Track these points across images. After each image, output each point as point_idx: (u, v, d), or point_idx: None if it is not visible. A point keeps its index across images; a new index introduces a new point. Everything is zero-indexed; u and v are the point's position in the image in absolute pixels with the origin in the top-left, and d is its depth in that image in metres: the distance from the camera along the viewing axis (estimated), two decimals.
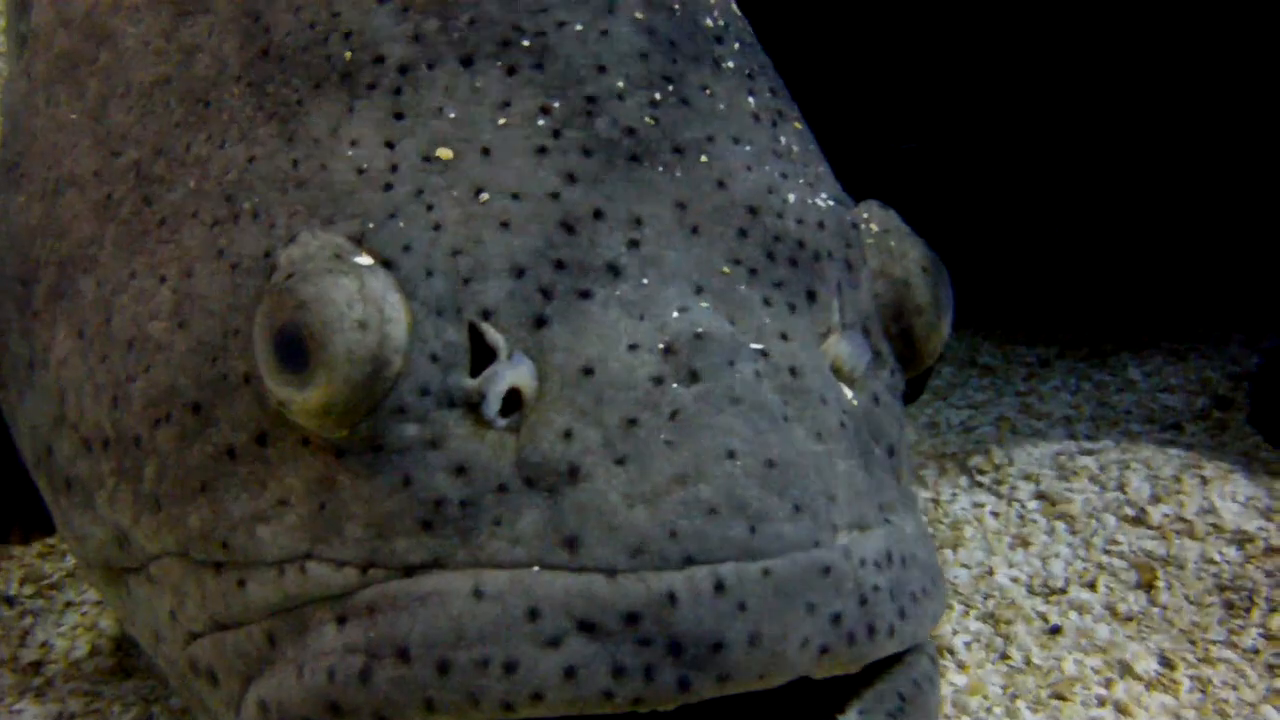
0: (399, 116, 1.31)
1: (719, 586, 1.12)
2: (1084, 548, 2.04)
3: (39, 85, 1.67)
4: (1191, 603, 1.94)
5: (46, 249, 1.55)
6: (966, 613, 1.93)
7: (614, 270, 1.23)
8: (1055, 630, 1.88)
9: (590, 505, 1.15)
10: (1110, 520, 2.09)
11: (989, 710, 1.74)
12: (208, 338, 1.31)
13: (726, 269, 1.27)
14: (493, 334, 1.21)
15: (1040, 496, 2.15)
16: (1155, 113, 2.70)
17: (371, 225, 1.24)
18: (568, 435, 1.17)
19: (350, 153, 1.30)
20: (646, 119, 1.33)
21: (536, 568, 1.14)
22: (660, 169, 1.31)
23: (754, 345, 1.23)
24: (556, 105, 1.32)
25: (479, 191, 1.26)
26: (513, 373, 1.20)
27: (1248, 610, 1.92)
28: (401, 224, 1.24)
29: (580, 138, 1.30)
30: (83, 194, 1.53)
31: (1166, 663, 1.83)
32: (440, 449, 1.20)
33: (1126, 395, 2.51)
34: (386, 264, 1.22)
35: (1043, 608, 1.93)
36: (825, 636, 1.15)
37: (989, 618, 1.91)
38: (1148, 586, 1.96)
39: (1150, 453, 2.22)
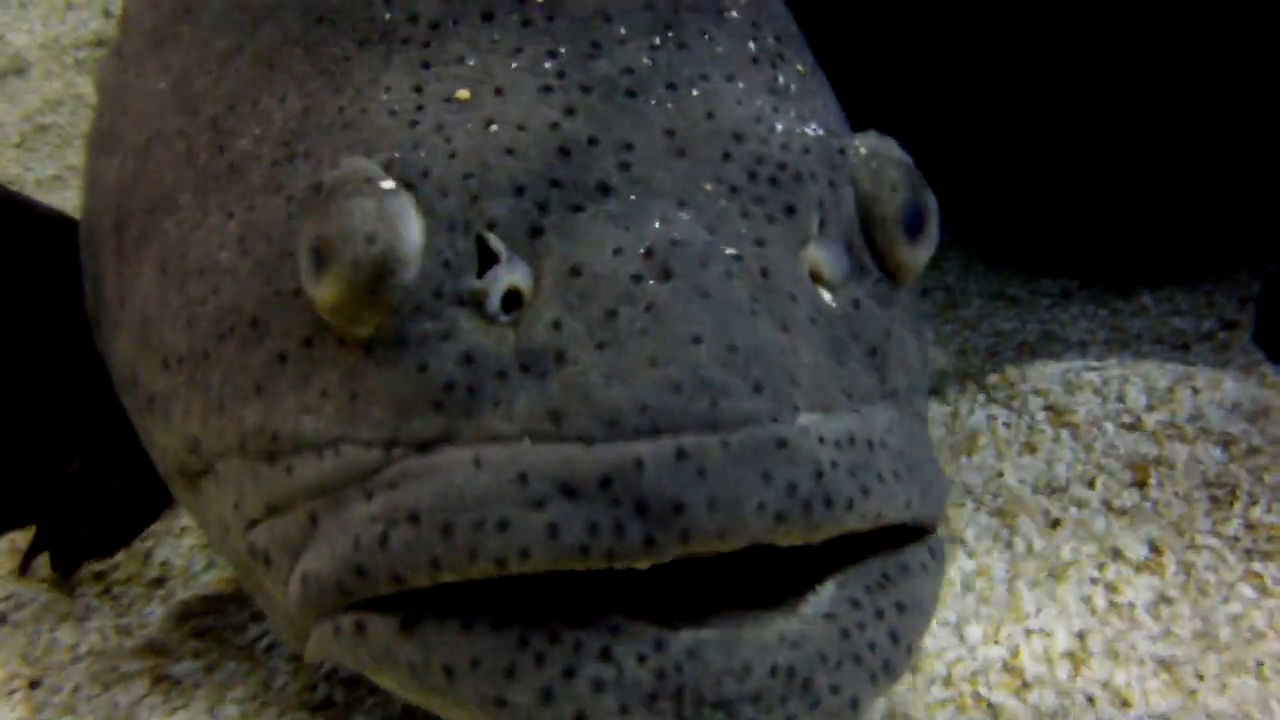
0: (426, 65, 1.54)
1: (680, 454, 1.27)
2: (1085, 452, 2.34)
3: (130, 61, 1.97)
4: (1180, 498, 2.24)
5: (136, 200, 1.79)
6: (977, 509, 2.23)
7: (604, 188, 1.42)
8: (1055, 523, 2.19)
9: (573, 384, 1.32)
10: (1109, 427, 2.39)
11: (991, 588, 2.06)
12: (266, 260, 1.53)
13: (709, 187, 1.44)
14: (495, 242, 1.40)
15: (1048, 408, 2.45)
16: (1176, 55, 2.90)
17: (398, 155, 1.45)
18: (556, 326, 1.35)
19: (385, 97, 1.52)
20: (644, 60, 1.53)
21: (527, 440, 1.32)
22: (653, 102, 1.49)
23: (728, 250, 1.39)
24: (563, 51, 1.53)
25: (489, 124, 1.46)
26: (511, 274, 1.39)
27: (1230, 504, 2.22)
28: (423, 153, 1.45)
29: (581, 77, 1.50)
30: (168, 149, 1.76)
31: (1155, 549, 2.13)
32: (450, 341, 1.39)
33: (1138, 320, 2.79)
34: (408, 186, 1.42)
35: (1046, 504, 2.24)
36: (780, 503, 1.28)
37: (997, 513, 2.22)
38: (1141, 484, 2.26)
39: (1149, 368, 2.51)
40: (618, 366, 1.31)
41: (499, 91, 1.50)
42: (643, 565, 1.29)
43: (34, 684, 2.02)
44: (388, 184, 1.42)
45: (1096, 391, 2.47)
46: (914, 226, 1.55)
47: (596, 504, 1.28)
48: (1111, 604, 2.03)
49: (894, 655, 1.41)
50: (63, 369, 2.12)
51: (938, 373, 2.61)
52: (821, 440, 1.33)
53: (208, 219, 1.64)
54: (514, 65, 1.52)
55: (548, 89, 1.49)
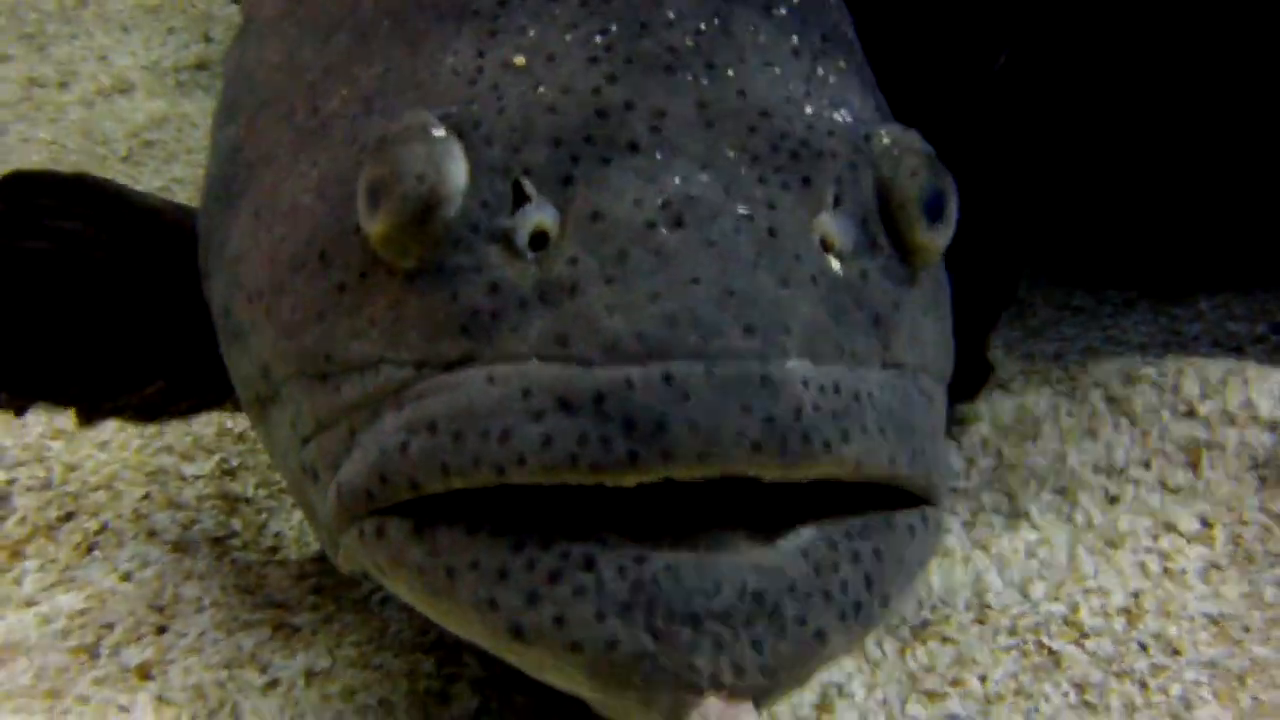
0: (492, 35, 1.70)
1: (668, 378, 1.39)
2: (1142, 437, 2.54)
3: (251, 42, 2.20)
4: (1230, 478, 2.44)
5: (244, 157, 1.98)
6: (1041, 488, 2.42)
7: (633, 146, 1.54)
8: (1114, 500, 2.38)
9: (580, 313, 1.44)
10: (1165, 415, 2.59)
11: (1053, 555, 2.25)
12: (337, 202, 1.67)
13: (731, 154, 1.55)
14: (529, 186, 1.53)
15: (1108, 399, 2.64)
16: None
17: (455, 109, 1.59)
18: (573, 262, 1.47)
19: (451, 61, 1.69)
20: (688, 41, 1.66)
21: (535, 360, 1.44)
22: (690, 78, 1.61)
23: (740, 209, 1.50)
24: (614, 28, 1.66)
25: (538, 86, 1.60)
26: (539, 215, 1.52)
27: (1278, 483, 2.41)
28: (475, 107, 1.60)
29: (627, 51, 1.63)
30: (274, 112, 1.95)
31: (1206, 523, 2.32)
32: (481, 272, 1.52)
33: (1195, 324, 2.98)
34: (460, 135, 1.55)
35: (1105, 483, 2.43)
36: (758, 434, 1.38)
37: (1059, 491, 2.41)
38: (1194, 465, 2.46)
39: (1204, 363, 2.71)
40: (621, 299, 1.43)
41: (551, 59, 1.64)
42: (629, 481, 1.40)
43: (161, 629, 2.20)
44: (440, 132, 1.55)
45: (1153, 384, 2.66)
46: (933, 210, 1.64)
47: (588, 418, 1.39)
48: (1165, 570, 2.22)
49: (866, 599, 1.47)
50: (167, 320, 2.40)
51: (1007, 372, 2.79)
52: (805, 383, 1.42)
53: (297, 168, 1.81)
54: (568, 38, 1.66)
55: (594, 59, 1.63)
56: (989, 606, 2.14)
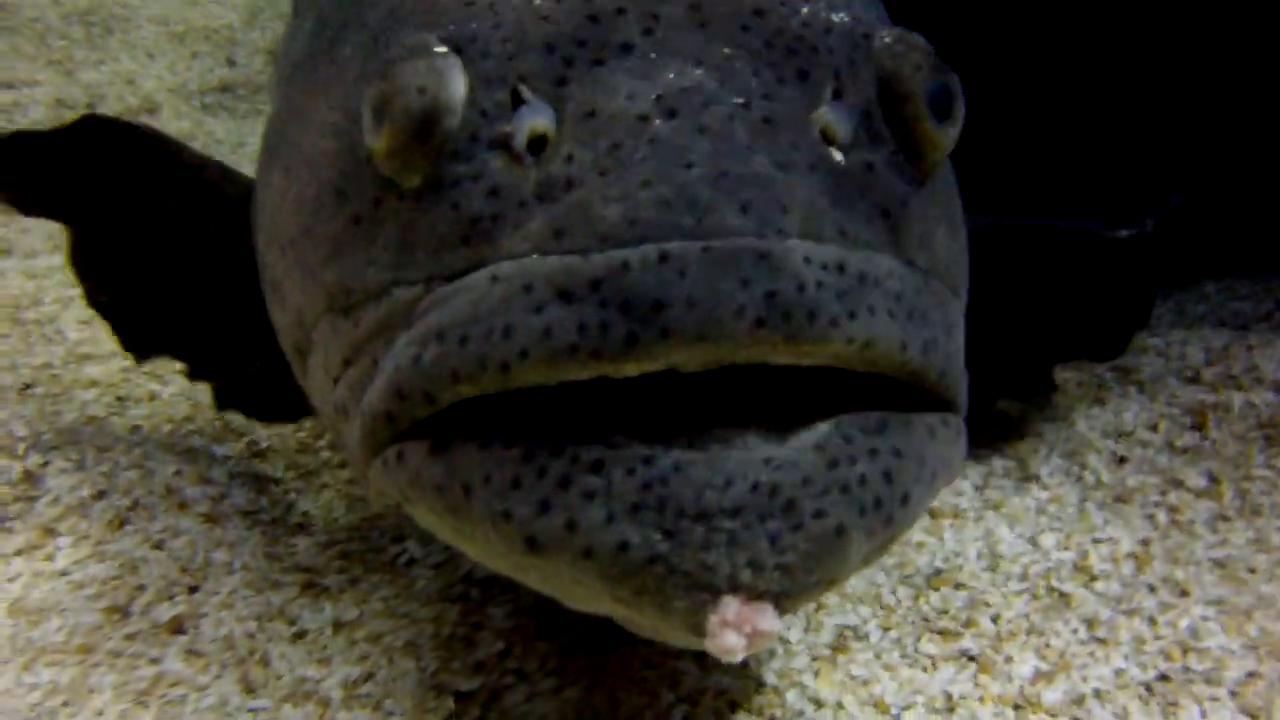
0: None
1: (663, 257, 1.36)
2: (1150, 402, 2.60)
3: (294, 22, 2.29)
4: (1236, 438, 2.49)
5: (279, 120, 2.01)
6: (1050, 453, 2.47)
7: (626, 47, 1.53)
8: (1122, 460, 2.43)
9: (577, 205, 1.42)
10: (1172, 381, 2.65)
11: (1063, 510, 2.30)
12: (349, 136, 1.67)
13: (726, 51, 1.53)
14: (526, 91, 1.52)
15: (1116, 369, 2.70)
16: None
17: (453, 27, 1.59)
18: (569, 158, 1.46)
19: None
20: None
21: (535, 255, 1.42)
22: None
23: (736, 99, 1.48)
24: None
25: (532, 0, 1.59)
26: (535, 117, 1.51)
27: None
28: (473, 24, 1.59)
29: None
30: (303, 72, 1.98)
31: (1214, 479, 2.37)
32: (481, 179, 1.51)
33: (1202, 305, 3.03)
34: (459, 51, 1.55)
35: (1113, 446, 2.48)
36: (760, 309, 1.35)
37: (1069, 454, 2.46)
38: (1200, 427, 2.51)
39: (1208, 333, 2.77)
40: (616, 188, 1.41)
41: None
42: (631, 369, 1.37)
43: (193, 589, 2.25)
44: (440, 49, 1.56)
45: (1160, 354, 2.73)
46: (939, 104, 1.61)
47: (587, 305, 1.37)
48: (1173, 521, 2.27)
49: (886, 494, 1.43)
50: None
51: None
52: (808, 260, 1.38)
53: (318, 116, 1.82)
54: None
55: None
56: (1001, 556, 2.19)
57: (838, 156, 1.53)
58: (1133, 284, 2.48)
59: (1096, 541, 2.21)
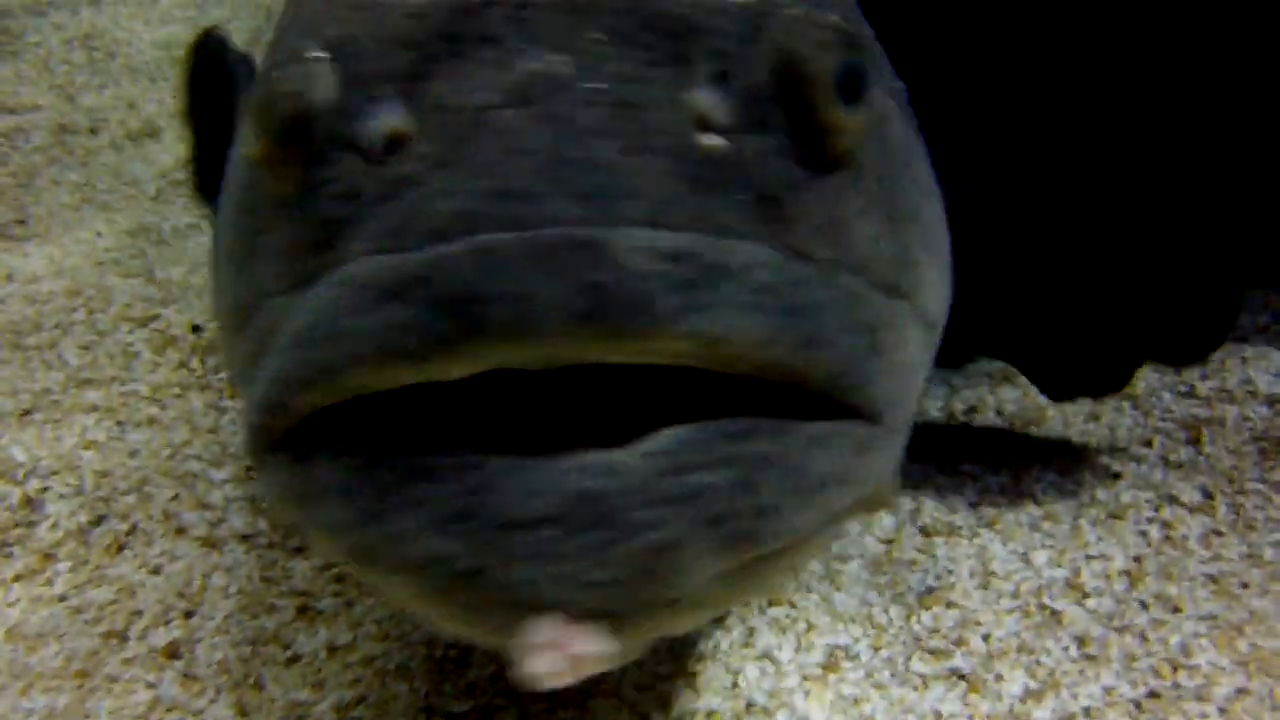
0: None
1: (485, 250, 1.26)
2: (1144, 417, 2.60)
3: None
4: (1231, 451, 2.49)
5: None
6: (1045, 469, 2.48)
7: (489, 39, 1.43)
8: (1116, 476, 2.44)
9: (414, 202, 1.34)
10: (1166, 396, 2.65)
11: (1056, 527, 2.31)
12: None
13: (597, 34, 1.43)
14: (385, 90, 1.44)
15: None
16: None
17: (334, 31, 1.52)
18: (417, 155, 1.38)
19: None
20: None
21: (375, 255, 1.34)
22: None
23: (594, 84, 1.38)
24: None
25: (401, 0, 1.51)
26: (389, 115, 1.43)
27: (1277, 454, 2.48)
28: (351, 27, 1.52)
29: None
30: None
31: (1207, 494, 2.37)
32: (339, 182, 1.44)
33: None
34: (335, 55, 1.48)
35: (1107, 461, 2.48)
36: (582, 303, 1.24)
37: (1064, 470, 2.47)
38: (1195, 441, 2.51)
39: None
40: (451, 182, 1.33)
41: None
42: (455, 370, 1.29)
43: (189, 614, 2.27)
44: (314, 53, 1.50)
45: (1154, 368, 2.73)
46: (846, 85, 1.49)
47: (408, 303, 1.28)
48: (1166, 537, 2.28)
49: (738, 507, 1.30)
50: None
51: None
52: (643, 249, 1.28)
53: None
54: None
55: None
56: (993, 574, 2.20)
57: (713, 141, 1.42)
58: (1216, 281, 2.45)
59: (1089, 558, 2.22)
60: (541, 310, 1.24)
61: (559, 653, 1.22)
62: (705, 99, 1.43)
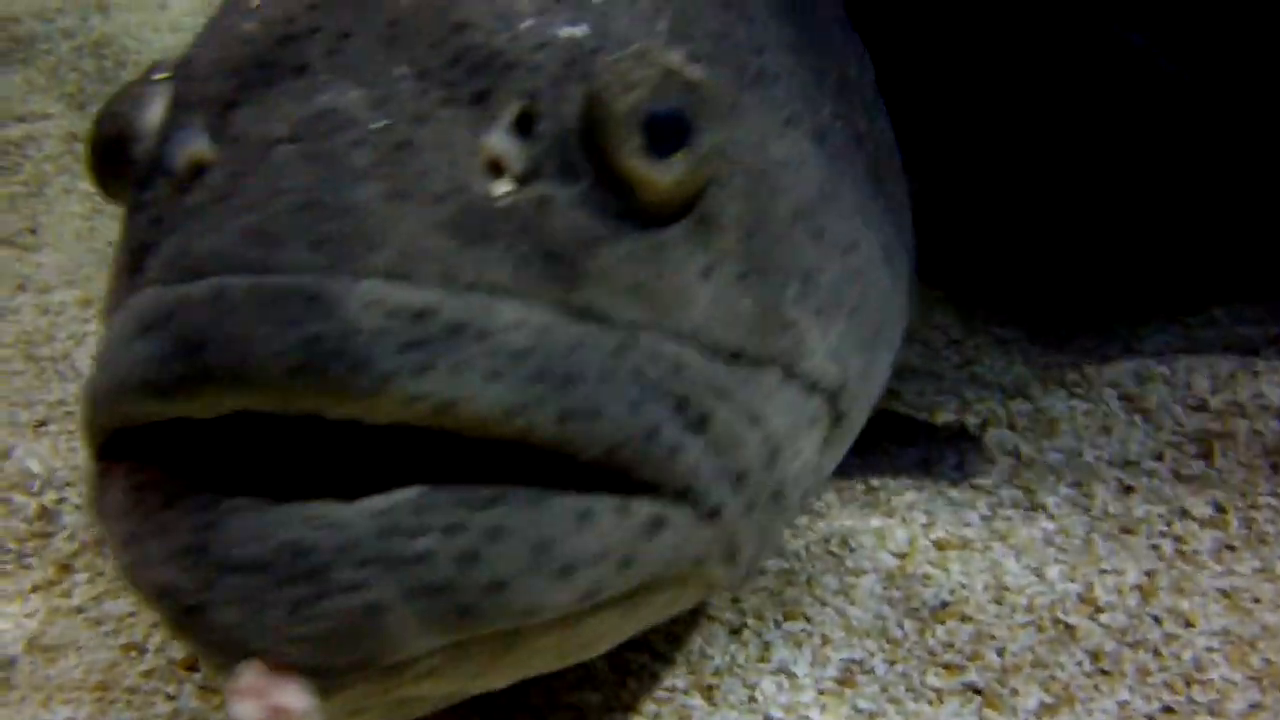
0: None
1: (218, 293, 1.26)
2: (1155, 431, 2.62)
3: None
4: (1243, 465, 2.52)
5: None
6: (1058, 482, 2.50)
7: (300, 69, 1.42)
8: (1129, 490, 2.46)
9: (188, 235, 1.35)
10: (1178, 410, 2.67)
11: (1069, 542, 2.33)
12: None
13: (402, 70, 1.41)
14: (196, 118, 1.45)
15: (1123, 397, 2.73)
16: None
17: (190, 52, 1.55)
18: (207, 186, 1.38)
19: (215, 15, 1.62)
20: None
21: (150, 288, 1.35)
22: None
23: (377, 123, 1.37)
24: None
25: (249, 22, 1.51)
26: (195, 143, 1.44)
27: None
28: (195, 49, 1.55)
29: None
30: None
31: (1219, 508, 2.39)
32: (149, 208, 1.46)
33: (1209, 330, 3.05)
34: (174, 78, 1.52)
35: (1120, 475, 2.50)
36: (299, 355, 1.23)
37: (1076, 484, 2.49)
38: (1206, 456, 2.53)
39: (1214, 360, 2.80)
40: (218, 219, 1.33)
41: None
42: (196, 409, 1.29)
43: None
44: (156, 75, 1.53)
45: (1166, 381, 2.75)
46: (656, 134, 1.43)
47: (159, 340, 1.29)
48: (1179, 552, 2.30)
49: (458, 579, 1.28)
50: None
51: (1023, 376, 2.88)
52: (373, 304, 1.26)
53: None
54: None
55: None
56: (1007, 588, 2.22)
57: (502, 188, 1.39)
58: None
59: (1103, 573, 2.24)
60: (258, 359, 1.24)
61: (261, 701, 1.23)
62: (502, 142, 1.41)
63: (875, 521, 2.41)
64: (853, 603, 2.21)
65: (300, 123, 1.37)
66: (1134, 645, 2.08)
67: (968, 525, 2.40)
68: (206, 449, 1.37)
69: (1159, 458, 2.55)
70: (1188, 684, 2.00)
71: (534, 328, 1.33)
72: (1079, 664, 2.05)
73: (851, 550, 2.33)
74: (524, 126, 1.42)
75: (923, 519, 2.42)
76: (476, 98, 1.41)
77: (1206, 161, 3.07)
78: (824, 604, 2.21)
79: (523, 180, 1.40)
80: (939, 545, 2.35)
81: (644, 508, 1.40)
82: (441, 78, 1.41)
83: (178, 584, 1.31)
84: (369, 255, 1.28)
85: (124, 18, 5.38)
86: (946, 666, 2.06)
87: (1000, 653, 2.08)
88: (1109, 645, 2.08)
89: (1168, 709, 1.95)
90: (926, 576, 2.27)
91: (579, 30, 1.47)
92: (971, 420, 2.73)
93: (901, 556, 2.32)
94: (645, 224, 1.45)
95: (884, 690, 2.02)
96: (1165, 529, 2.35)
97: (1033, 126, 3.02)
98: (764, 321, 1.56)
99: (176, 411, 1.31)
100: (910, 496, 2.49)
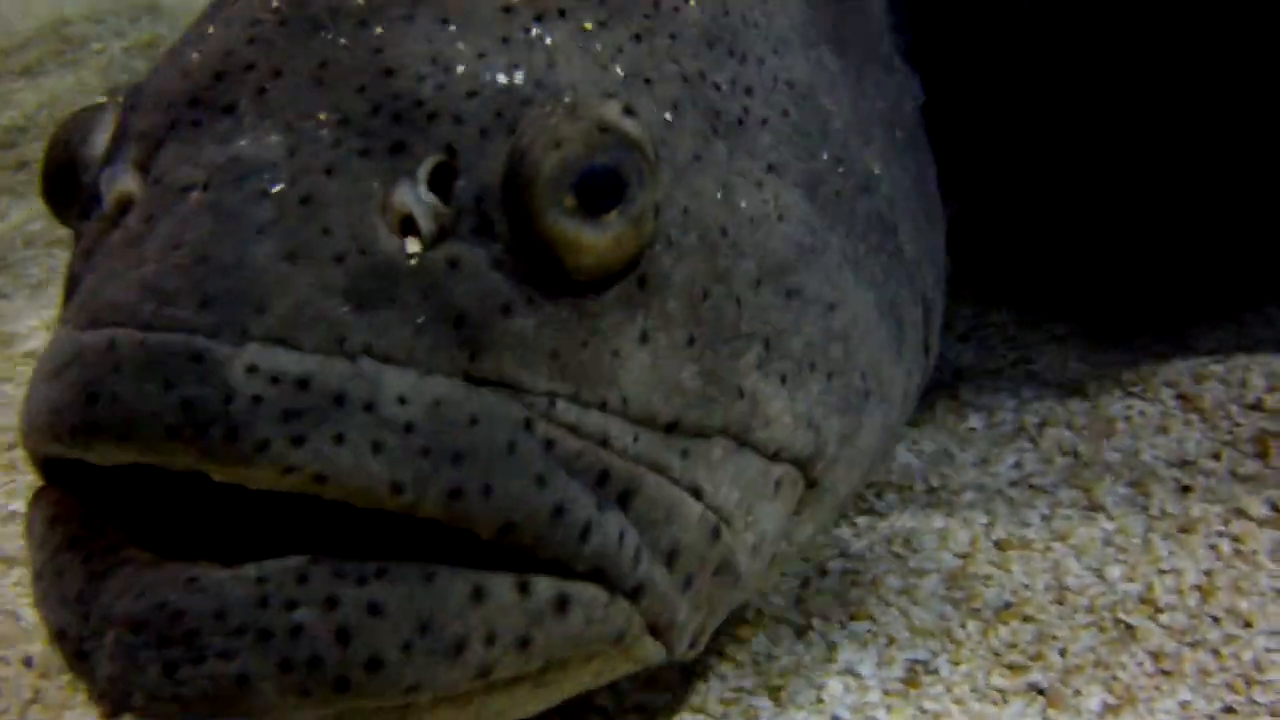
0: (219, 6, 1.59)
1: (110, 345, 1.27)
2: (1211, 430, 2.66)
3: None
4: None
5: None
6: (1115, 482, 2.55)
7: (228, 109, 1.40)
8: (1186, 489, 2.50)
9: (100, 278, 1.36)
10: (1234, 409, 2.71)
11: (1129, 541, 2.38)
12: None
13: (322, 115, 1.38)
14: (126, 152, 1.45)
15: (1179, 397, 2.77)
16: None
17: (145, 80, 1.55)
18: (125, 228, 1.39)
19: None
20: (360, 1, 1.47)
21: (63, 328, 1.38)
22: (329, 36, 1.43)
23: (285, 174, 1.34)
24: None
25: (195, 52, 1.48)
26: (122, 179, 1.44)
27: None
28: (152, 79, 1.53)
29: (291, 13, 1.47)
30: None
31: (1275, 508, 2.43)
32: (85, 239, 1.48)
33: (1266, 330, 3.07)
34: (125, 107, 1.52)
35: (1177, 475, 2.55)
36: (174, 417, 1.23)
37: (1134, 484, 2.53)
38: (1263, 455, 2.57)
39: (1269, 358, 2.84)
40: (124, 266, 1.33)
41: (228, 23, 1.51)
42: (93, 456, 1.30)
43: None
44: (101, 99, 1.56)
45: (1221, 380, 2.79)
46: (586, 194, 1.38)
47: (59, 386, 1.30)
48: (1236, 551, 2.34)
49: (331, 654, 1.27)
50: None
51: (1080, 374, 2.93)
52: (255, 370, 1.26)
53: None
54: (242, 6, 1.53)
55: (257, 21, 1.48)
56: (1068, 589, 2.26)
57: (412, 247, 1.37)
58: None
59: (1161, 573, 2.29)
60: (139, 419, 1.25)
61: None
62: (414, 198, 1.38)
63: (937, 522, 2.46)
64: (916, 603, 2.26)
65: (215, 169, 1.36)
66: (1194, 645, 2.13)
67: (1028, 525, 2.45)
68: (132, 484, 1.38)
69: (1216, 457, 2.60)
70: (1248, 684, 2.04)
71: (427, 398, 1.31)
72: (1140, 664, 2.09)
73: (914, 551, 2.39)
74: (441, 182, 1.39)
75: (983, 519, 2.47)
76: (394, 149, 1.38)
77: (1262, 158, 3.09)
78: (888, 604, 2.26)
79: (434, 239, 1.37)
80: (1000, 545, 2.40)
81: (548, 587, 1.38)
82: (362, 126, 1.38)
83: (69, 628, 1.33)
84: (256, 317, 1.27)
85: (172, 17, 5.46)
86: (1010, 667, 2.10)
87: (1062, 653, 2.12)
88: (1170, 645, 2.12)
89: (1229, 709, 2.00)
90: (988, 577, 2.32)
91: (516, 77, 1.44)
92: (1031, 419, 2.78)
93: (963, 557, 2.37)
94: (572, 288, 1.41)
95: (948, 690, 2.07)
96: (1223, 528, 2.39)
97: (1094, 126, 3.04)
98: (711, 390, 1.53)
99: (78, 455, 1.32)
100: (970, 496, 2.54)
